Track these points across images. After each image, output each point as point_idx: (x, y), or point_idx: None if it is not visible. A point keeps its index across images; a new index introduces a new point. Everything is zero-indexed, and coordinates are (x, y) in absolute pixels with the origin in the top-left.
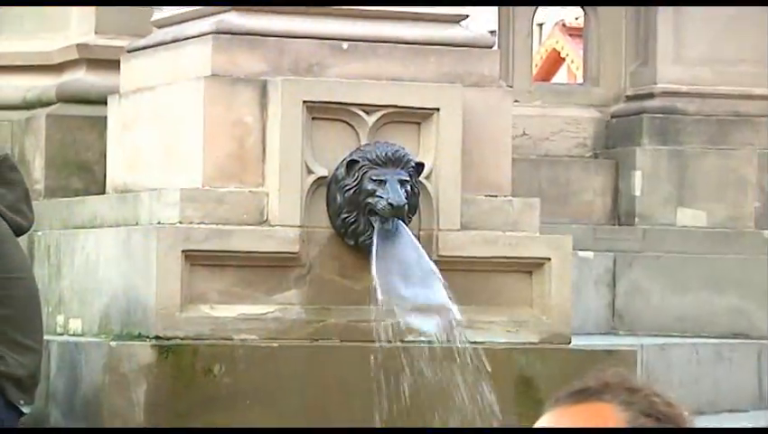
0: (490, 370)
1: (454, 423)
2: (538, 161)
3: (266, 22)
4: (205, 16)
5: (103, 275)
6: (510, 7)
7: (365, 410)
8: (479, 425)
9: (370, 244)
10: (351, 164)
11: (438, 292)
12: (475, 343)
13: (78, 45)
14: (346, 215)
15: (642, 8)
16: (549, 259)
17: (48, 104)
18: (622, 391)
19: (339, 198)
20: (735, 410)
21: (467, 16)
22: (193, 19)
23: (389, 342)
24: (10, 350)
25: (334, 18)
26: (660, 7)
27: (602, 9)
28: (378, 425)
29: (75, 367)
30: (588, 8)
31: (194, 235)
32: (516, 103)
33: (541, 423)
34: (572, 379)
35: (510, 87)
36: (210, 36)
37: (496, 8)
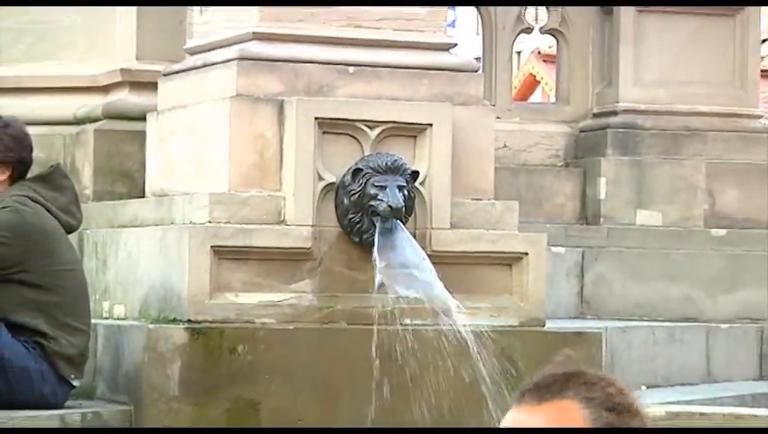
0: (475, 349)
1: (446, 397)
2: (517, 169)
3: (283, 49)
4: (230, 45)
5: (143, 268)
6: (493, 37)
7: (368, 384)
8: (470, 396)
9: (373, 241)
10: (356, 172)
11: (432, 281)
12: (463, 325)
13: (121, 69)
14: (352, 216)
15: (607, 38)
16: (527, 253)
17: (95, 120)
18: (580, 387)
19: (346, 201)
20: (686, 383)
21: (456, 45)
22: (221, 47)
23: (390, 325)
24: (62, 332)
25: (342, 46)
26: (622, 37)
27: (572, 38)
28: (378, 399)
29: (118, 347)
30: (560, 37)
31: (221, 233)
32: (498, 120)
33: (509, 418)
34: (546, 356)
35: (493, 105)
36: (234, 62)
37: (481, 38)
